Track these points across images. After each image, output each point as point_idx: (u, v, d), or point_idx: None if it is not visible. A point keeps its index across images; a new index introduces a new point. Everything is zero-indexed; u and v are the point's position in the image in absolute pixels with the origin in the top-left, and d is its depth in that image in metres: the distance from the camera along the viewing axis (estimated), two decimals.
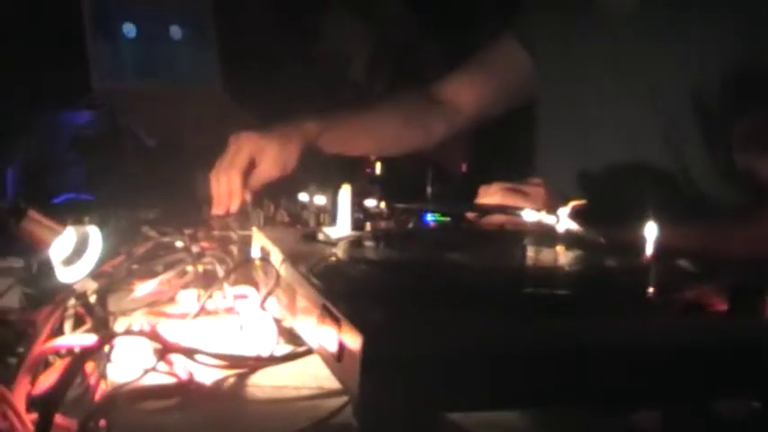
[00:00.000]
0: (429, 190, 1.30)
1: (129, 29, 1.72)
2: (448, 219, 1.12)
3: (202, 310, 0.91)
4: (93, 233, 0.97)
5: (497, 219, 1.09)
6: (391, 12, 2.21)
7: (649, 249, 0.82)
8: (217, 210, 1.26)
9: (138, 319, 0.90)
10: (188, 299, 0.97)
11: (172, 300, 0.97)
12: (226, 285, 0.94)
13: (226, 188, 1.26)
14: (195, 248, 1.08)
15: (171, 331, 0.86)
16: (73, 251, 0.93)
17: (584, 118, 1.37)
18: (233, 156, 1.29)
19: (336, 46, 2.13)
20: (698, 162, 1.26)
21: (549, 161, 1.43)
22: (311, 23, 2.15)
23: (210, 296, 0.92)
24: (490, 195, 1.16)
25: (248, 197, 1.26)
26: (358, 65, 2.13)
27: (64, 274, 0.93)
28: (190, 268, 1.02)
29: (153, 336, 0.81)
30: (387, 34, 2.19)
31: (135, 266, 1.06)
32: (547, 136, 1.45)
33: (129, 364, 0.79)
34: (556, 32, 1.43)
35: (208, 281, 0.98)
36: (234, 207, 1.26)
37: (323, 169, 1.39)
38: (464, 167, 2.25)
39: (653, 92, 1.28)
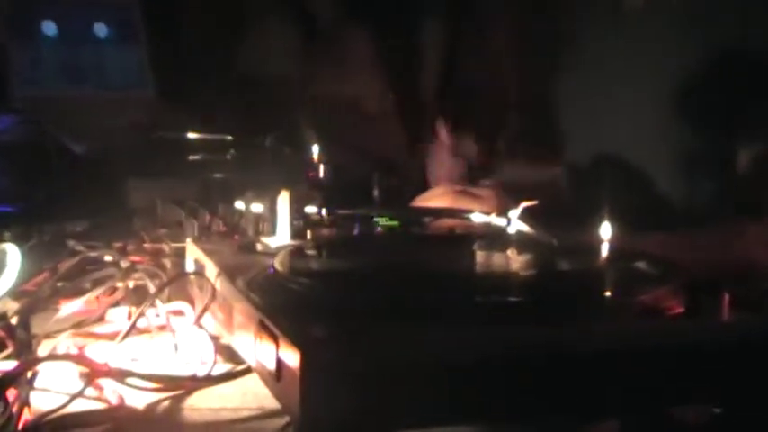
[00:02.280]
0: (375, 194, 1.30)
1: (50, 27, 1.69)
2: (396, 224, 1.13)
3: (134, 329, 0.90)
4: (12, 251, 0.95)
5: (447, 222, 1.09)
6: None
7: (605, 251, 0.83)
8: None
9: (64, 341, 0.89)
10: (118, 317, 0.96)
11: (101, 319, 0.96)
12: (159, 302, 0.93)
13: None
14: (125, 263, 1.07)
15: (100, 353, 0.85)
16: None
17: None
18: None
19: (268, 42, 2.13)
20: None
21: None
22: (247, 21, 2.14)
23: (142, 314, 0.91)
24: (438, 198, 1.16)
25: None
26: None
27: None
28: (120, 284, 1.01)
29: (80, 359, 0.80)
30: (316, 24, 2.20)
31: (60, 284, 1.05)
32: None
33: (54, 390, 0.78)
34: None
35: (139, 297, 0.98)
36: None
37: (261, 174, 1.39)
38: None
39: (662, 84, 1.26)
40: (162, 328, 0.92)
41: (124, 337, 0.88)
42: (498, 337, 0.66)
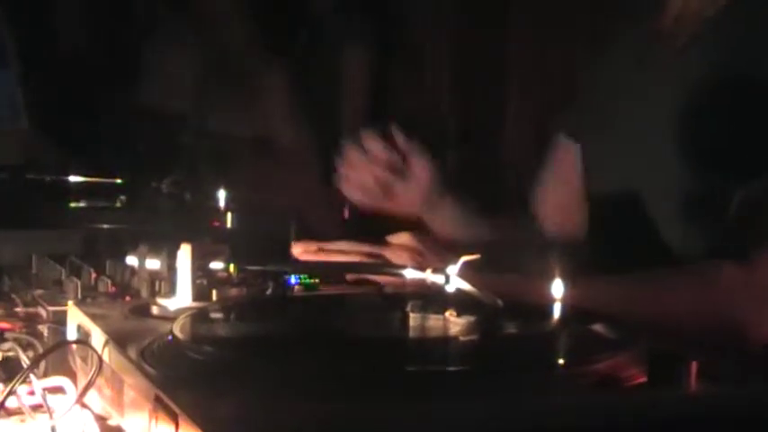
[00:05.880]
0: (293, 247, 1.32)
1: None
2: (315, 282, 1.14)
3: (2, 411, 0.89)
4: None
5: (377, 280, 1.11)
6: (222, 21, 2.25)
7: (557, 312, 0.85)
8: None
9: None
10: None
11: None
12: (33, 377, 0.93)
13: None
14: None
15: None
16: None
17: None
18: None
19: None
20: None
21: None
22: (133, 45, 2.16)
23: (13, 392, 0.90)
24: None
25: None
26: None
27: None
28: None
29: None
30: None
31: None
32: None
33: None
34: None
35: (9, 372, 0.97)
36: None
37: (157, 225, 1.39)
38: (347, 213, 2.28)
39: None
40: (37, 408, 0.92)
41: None
42: (432, 414, 0.67)
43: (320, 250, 1.21)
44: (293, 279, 1.13)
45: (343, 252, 1.20)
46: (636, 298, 1.19)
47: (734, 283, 1.18)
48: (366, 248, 1.20)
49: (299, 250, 1.21)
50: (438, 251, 1.19)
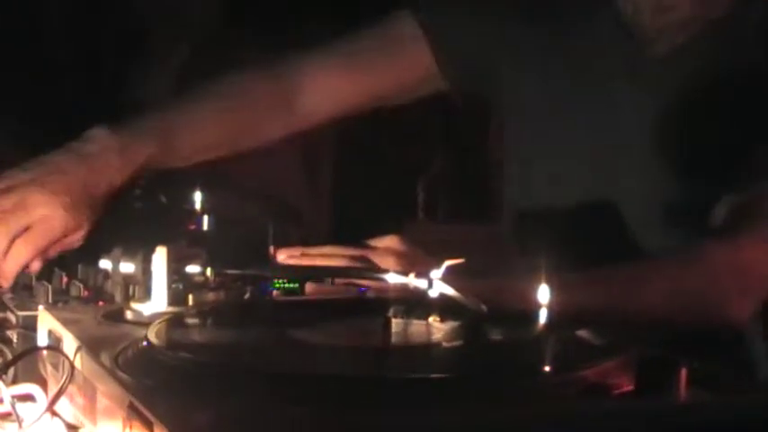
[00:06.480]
0: (272, 250, 1.31)
1: None
2: (295, 286, 1.14)
3: None
4: None
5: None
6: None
7: (542, 318, 0.85)
8: None
9: None
10: None
11: None
12: (1, 384, 0.92)
13: None
14: None
15: None
16: None
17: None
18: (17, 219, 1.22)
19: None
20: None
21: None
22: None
23: None
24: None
25: (35, 267, 1.23)
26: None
27: None
28: None
29: None
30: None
31: None
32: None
33: None
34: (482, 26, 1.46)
35: None
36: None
37: (130, 227, 1.38)
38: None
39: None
40: (5, 416, 0.91)
41: None
42: (416, 423, 0.67)
43: (304, 255, 1.20)
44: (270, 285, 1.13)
45: (326, 256, 1.20)
46: (621, 282, 1.20)
47: (717, 260, 1.19)
48: (351, 252, 1.19)
49: (283, 255, 1.21)
50: (424, 255, 1.19)
